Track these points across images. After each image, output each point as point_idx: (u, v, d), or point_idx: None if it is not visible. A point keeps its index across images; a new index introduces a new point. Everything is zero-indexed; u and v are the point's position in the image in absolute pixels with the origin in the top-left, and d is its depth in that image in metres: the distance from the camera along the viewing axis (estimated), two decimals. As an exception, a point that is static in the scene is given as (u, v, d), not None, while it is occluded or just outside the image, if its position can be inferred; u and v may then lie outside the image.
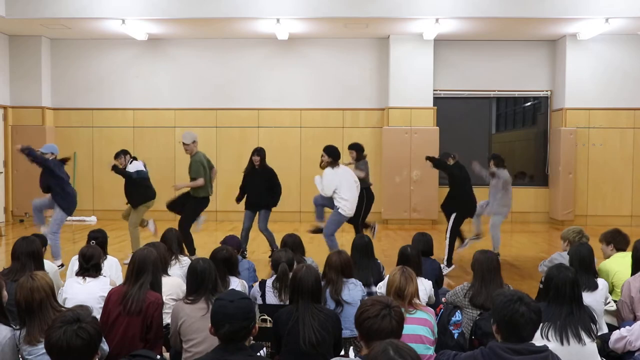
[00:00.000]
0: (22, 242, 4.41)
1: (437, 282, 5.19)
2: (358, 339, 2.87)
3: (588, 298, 3.99)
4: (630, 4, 10.47)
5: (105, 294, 3.89)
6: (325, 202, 7.74)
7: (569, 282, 3.44)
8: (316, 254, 6.96)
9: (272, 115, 12.70)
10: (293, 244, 5.26)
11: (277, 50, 12.62)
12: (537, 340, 2.90)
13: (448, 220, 7.86)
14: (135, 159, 8.48)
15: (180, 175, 12.24)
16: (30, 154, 7.60)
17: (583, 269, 4.25)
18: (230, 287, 4.23)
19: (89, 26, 11.50)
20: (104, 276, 4.40)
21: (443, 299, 4.83)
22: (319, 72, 12.67)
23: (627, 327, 3.82)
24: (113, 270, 5.14)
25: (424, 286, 4.49)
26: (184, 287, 4.06)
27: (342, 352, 3.94)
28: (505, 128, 14.33)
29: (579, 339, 3.28)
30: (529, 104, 13.56)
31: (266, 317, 4.08)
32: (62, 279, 5.33)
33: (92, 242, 4.96)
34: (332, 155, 7.55)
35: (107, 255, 5.21)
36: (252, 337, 2.90)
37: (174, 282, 4.53)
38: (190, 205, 8.00)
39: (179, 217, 8.08)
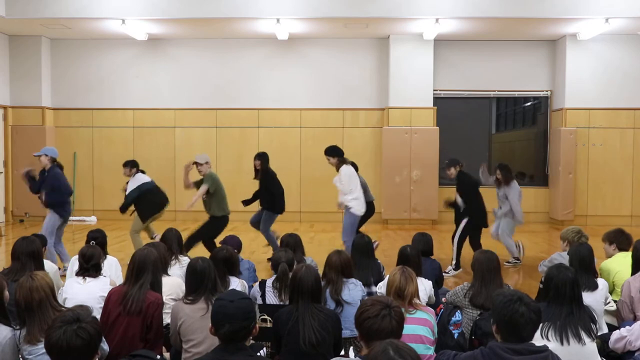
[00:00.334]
0: (22, 242, 4.42)
1: (437, 282, 5.19)
2: (358, 339, 2.87)
3: (588, 298, 3.99)
4: (630, 4, 10.47)
5: (105, 294, 3.89)
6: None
7: (569, 282, 3.44)
8: (316, 254, 6.96)
9: (272, 115, 12.70)
10: (293, 244, 5.26)
11: (277, 50, 12.62)
12: (537, 340, 2.90)
13: (457, 225, 7.77)
14: (142, 172, 8.19)
15: (180, 175, 12.22)
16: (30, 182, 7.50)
17: (583, 269, 4.25)
18: (230, 287, 4.23)
19: (89, 26, 11.50)
20: (104, 276, 4.40)
21: (443, 299, 4.83)
22: (319, 72, 12.67)
23: (627, 327, 3.82)
24: (113, 270, 5.14)
25: (424, 286, 4.49)
26: (184, 287, 4.06)
27: (342, 352, 3.94)
28: (505, 128, 14.32)
29: (579, 339, 3.28)
30: (529, 104, 13.56)
31: (266, 317, 4.07)
32: (62, 280, 5.34)
33: (92, 243, 4.97)
34: (336, 155, 7.60)
35: (107, 255, 5.22)
36: (252, 337, 2.90)
37: (174, 282, 4.52)
38: (208, 224, 7.67)
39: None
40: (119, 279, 5.03)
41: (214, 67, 12.71)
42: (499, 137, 13.66)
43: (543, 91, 12.81)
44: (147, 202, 8.02)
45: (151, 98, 12.78)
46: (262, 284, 4.53)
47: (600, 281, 4.40)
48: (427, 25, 11.17)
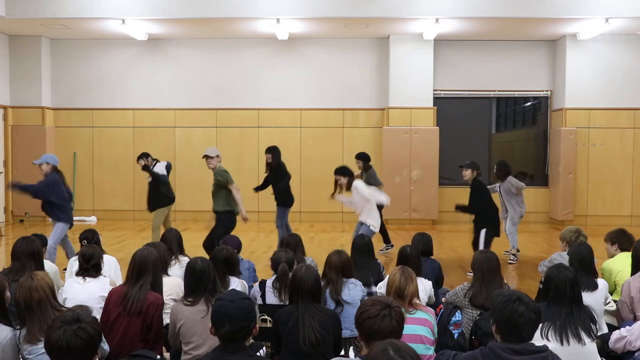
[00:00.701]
0: (22, 242, 4.42)
1: (437, 282, 5.20)
2: (358, 339, 2.87)
3: (588, 298, 3.99)
4: (630, 4, 10.47)
5: (105, 294, 3.89)
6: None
7: (569, 282, 3.44)
8: (316, 254, 6.95)
9: (272, 115, 12.70)
10: (293, 244, 5.26)
11: (277, 50, 12.62)
12: (537, 340, 2.90)
13: (477, 234, 7.71)
14: (157, 160, 8.75)
15: (180, 175, 12.26)
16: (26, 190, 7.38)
17: (583, 269, 4.25)
18: (230, 287, 4.22)
19: (89, 26, 11.50)
20: (104, 276, 4.40)
21: (443, 299, 4.83)
22: (319, 72, 12.67)
23: (627, 327, 3.82)
24: (112, 270, 5.14)
25: (424, 286, 4.49)
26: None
27: (342, 352, 3.94)
28: (505, 128, 14.31)
29: (579, 339, 3.28)
30: (529, 104, 13.55)
31: (266, 317, 4.07)
32: (62, 280, 5.34)
33: (84, 242, 5.01)
34: (346, 174, 7.68)
35: (104, 255, 5.20)
36: (252, 337, 2.90)
37: (174, 282, 4.52)
38: (220, 221, 7.51)
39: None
40: (118, 279, 5.03)
41: (214, 67, 12.71)
42: (499, 137, 13.65)
43: (543, 91, 12.81)
44: (160, 193, 8.47)
45: (151, 98, 12.78)
46: (262, 284, 4.53)
47: (600, 281, 4.40)
48: (427, 25, 11.17)
